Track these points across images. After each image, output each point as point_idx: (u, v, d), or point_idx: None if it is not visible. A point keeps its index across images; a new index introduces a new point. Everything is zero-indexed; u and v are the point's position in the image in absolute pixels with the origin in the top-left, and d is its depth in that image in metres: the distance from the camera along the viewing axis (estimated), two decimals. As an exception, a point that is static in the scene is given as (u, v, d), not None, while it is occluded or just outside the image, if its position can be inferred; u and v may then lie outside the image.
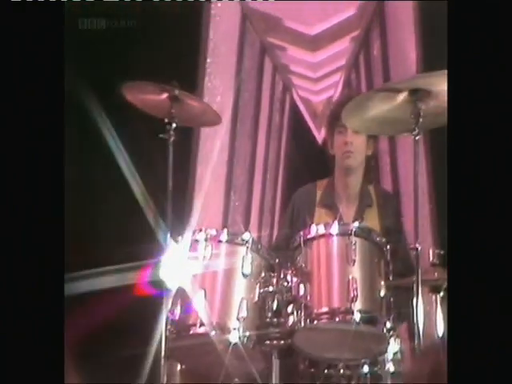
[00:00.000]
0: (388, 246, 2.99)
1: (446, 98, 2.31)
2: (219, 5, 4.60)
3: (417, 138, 3.02)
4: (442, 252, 3.03)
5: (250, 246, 2.96)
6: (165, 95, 3.19)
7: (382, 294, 2.91)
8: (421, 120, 3.00)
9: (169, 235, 3.05)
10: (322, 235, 2.98)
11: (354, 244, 2.90)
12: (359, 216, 3.50)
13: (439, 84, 2.89)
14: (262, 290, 2.94)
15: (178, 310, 2.91)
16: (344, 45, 4.71)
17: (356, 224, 2.99)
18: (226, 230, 3.02)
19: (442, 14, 1.82)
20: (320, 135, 4.55)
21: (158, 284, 3.02)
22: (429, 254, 3.03)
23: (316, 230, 3.00)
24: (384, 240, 3.01)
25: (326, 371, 3.03)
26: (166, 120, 3.19)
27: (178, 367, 3.13)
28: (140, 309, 3.49)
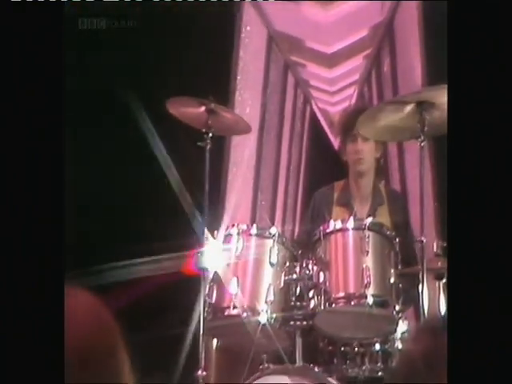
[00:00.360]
0: (397, 239, 3.03)
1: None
2: (248, 28, 4.64)
3: (422, 144, 3.04)
4: (444, 244, 3.04)
5: (276, 238, 3.00)
6: (202, 108, 3.23)
7: (392, 280, 2.95)
8: (426, 128, 3.02)
9: (206, 230, 3.11)
10: (339, 229, 3.02)
11: (368, 237, 2.94)
12: (372, 213, 3.51)
13: (442, 96, 2.91)
14: (286, 278, 2.98)
15: (214, 295, 2.96)
16: (357, 62, 4.72)
17: (369, 219, 3.04)
18: (255, 225, 3.07)
19: (443, 33, 1.82)
20: (336, 142, 4.55)
21: (197, 272, 3.07)
22: (433, 245, 3.04)
23: (334, 225, 3.04)
24: (394, 234, 3.05)
25: (342, 349, 3.08)
26: (204, 130, 3.23)
27: (214, 345, 3.18)
28: (181, 293, 3.53)
